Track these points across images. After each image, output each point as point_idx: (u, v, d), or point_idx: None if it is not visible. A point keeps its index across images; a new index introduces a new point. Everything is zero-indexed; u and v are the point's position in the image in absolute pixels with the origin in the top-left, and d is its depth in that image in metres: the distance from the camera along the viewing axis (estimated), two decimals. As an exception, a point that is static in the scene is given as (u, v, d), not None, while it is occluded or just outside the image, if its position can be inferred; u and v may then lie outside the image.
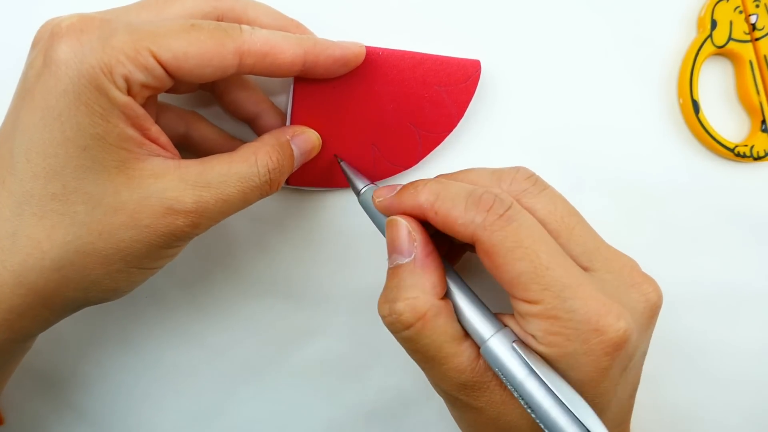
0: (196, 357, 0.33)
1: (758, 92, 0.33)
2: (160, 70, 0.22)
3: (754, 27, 0.32)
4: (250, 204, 0.25)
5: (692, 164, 0.33)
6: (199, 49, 0.22)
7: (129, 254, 0.23)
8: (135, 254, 0.23)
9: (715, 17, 0.32)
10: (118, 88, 0.22)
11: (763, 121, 0.33)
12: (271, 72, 0.25)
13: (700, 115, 0.32)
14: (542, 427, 0.22)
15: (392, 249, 0.25)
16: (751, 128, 0.34)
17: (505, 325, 0.24)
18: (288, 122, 0.29)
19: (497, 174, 0.26)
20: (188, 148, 0.30)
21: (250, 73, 0.24)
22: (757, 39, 0.32)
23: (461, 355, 0.23)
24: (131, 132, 0.23)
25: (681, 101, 0.33)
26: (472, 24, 0.32)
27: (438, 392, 0.26)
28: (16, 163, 0.22)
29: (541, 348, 0.22)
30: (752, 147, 0.33)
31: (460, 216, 0.23)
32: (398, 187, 0.26)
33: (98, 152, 0.22)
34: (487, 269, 0.23)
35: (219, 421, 0.33)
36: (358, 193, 0.28)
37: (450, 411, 0.27)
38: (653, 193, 0.33)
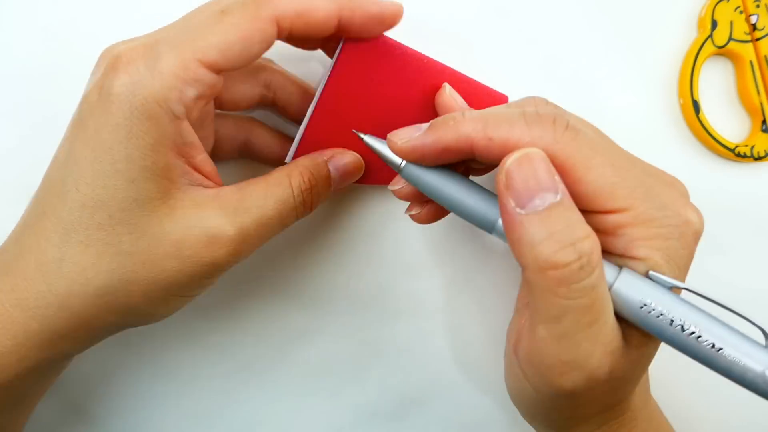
0: (196, 357, 0.33)
1: (759, 92, 0.33)
2: (210, 75, 0.22)
3: (754, 27, 0.32)
4: (287, 226, 0.25)
5: (692, 164, 0.33)
6: (239, 33, 0.22)
7: (171, 283, 0.23)
8: (177, 283, 0.23)
9: (715, 17, 0.32)
10: (174, 116, 0.22)
11: (764, 121, 0.33)
12: (308, 33, 0.23)
13: (700, 115, 0.32)
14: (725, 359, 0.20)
15: (534, 188, 0.20)
16: (751, 128, 0.34)
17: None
18: (313, 105, 0.27)
19: (519, 104, 0.24)
20: (250, 155, 0.30)
21: (289, 39, 0.24)
22: (757, 39, 0.32)
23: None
24: (176, 161, 0.23)
25: (681, 101, 0.33)
26: (472, 24, 0.32)
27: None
28: (67, 192, 0.23)
29: (641, 257, 0.21)
30: (753, 147, 0.33)
31: (524, 135, 0.21)
32: (422, 126, 0.23)
33: (145, 183, 0.22)
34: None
35: (219, 420, 0.33)
36: (398, 166, 0.24)
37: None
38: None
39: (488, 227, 0.23)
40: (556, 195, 0.20)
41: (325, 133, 0.27)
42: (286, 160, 0.27)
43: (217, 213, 0.23)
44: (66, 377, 0.32)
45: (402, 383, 0.34)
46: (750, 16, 0.32)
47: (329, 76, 0.26)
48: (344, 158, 0.27)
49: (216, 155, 0.29)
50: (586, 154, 0.21)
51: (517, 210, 0.20)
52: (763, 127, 0.33)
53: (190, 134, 0.23)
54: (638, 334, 0.22)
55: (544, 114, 0.21)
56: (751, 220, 0.34)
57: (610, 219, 0.21)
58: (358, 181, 0.29)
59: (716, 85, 0.33)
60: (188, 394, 0.33)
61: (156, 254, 0.23)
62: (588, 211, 0.21)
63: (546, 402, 0.24)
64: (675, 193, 0.22)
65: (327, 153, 0.27)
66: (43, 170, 0.31)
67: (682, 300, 0.21)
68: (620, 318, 0.22)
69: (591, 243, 0.20)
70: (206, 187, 0.24)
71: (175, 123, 0.22)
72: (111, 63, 0.22)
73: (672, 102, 0.33)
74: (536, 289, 0.20)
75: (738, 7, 0.32)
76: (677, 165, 0.33)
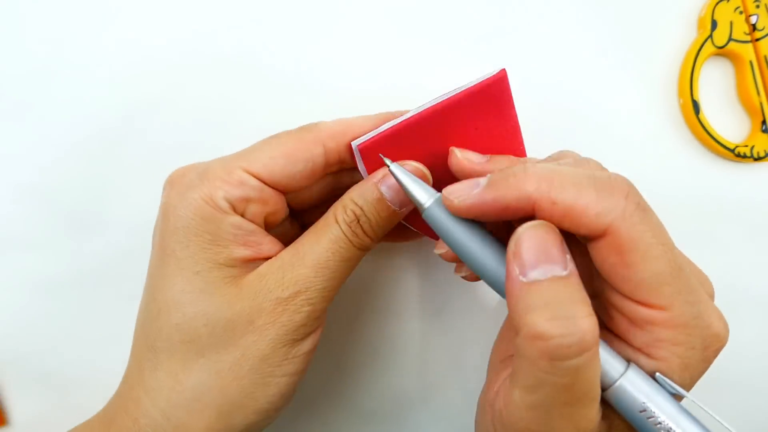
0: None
1: (758, 93, 0.33)
2: (254, 182, 0.24)
3: (754, 27, 0.32)
4: (355, 260, 0.25)
5: (692, 164, 0.33)
6: (284, 149, 0.24)
7: (256, 360, 0.23)
8: (262, 358, 0.23)
9: (715, 17, 0.32)
10: (222, 210, 0.23)
11: (764, 122, 0.33)
12: (350, 148, 0.25)
13: (700, 115, 0.32)
14: None
15: (543, 259, 0.19)
16: (751, 128, 0.34)
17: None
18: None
19: (580, 162, 0.23)
20: None
21: (337, 160, 0.25)
22: (757, 39, 0.32)
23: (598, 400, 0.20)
24: (241, 251, 0.24)
25: (681, 101, 0.33)
26: (472, 26, 0.32)
27: None
28: (146, 305, 0.24)
29: (654, 363, 0.20)
30: (752, 147, 0.33)
31: (592, 204, 0.19)
32: (480, 181, 0.21)
33: (209, 273, 0.23)
34: (604, 268, 0.20)
35: None
36: (421, 205, 0.22)
37: None
38: (653, 192, 0.33)
39: (501, 292, 0.22)
40: (561, 270, 0.19)
41: None
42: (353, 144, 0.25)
43: (276, 273, 0.23)
44: (68, 377, 0.32)
45: (402, 383, 0.34)
46: (750, 16, 0.32)
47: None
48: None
49: None
50: (649, 242, 0.19)
51: (520, 278, 0.19)
52: (763, 128, 0.33)
53: (248, 224, 0.24)
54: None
55: (617, 185, 0.20)
56: (751, 219, 0.34)
57: (644, 312, 0.20)
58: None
59: (716, 86, 0.33)
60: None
61: (234, 335, 0.23)
62: (625, 297, 0.20)
63: None
64: (705, 296, 0.21)
65: (378, 174, 0.24)
66: (44, 170, 0.31)
67: (686, 412, 0.20)
68: (612, 413, 0.21)
69: (589, 324, 0.18)
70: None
71: (227, 217, 0.23)
72: (168, 182, 0.25)
73: (672, 102, 0.33)
74: (520, 355, 0.20)
75: (738, 8, 0.32)
76: (677, 165, 0.33)
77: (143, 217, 0.28)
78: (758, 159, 0.33)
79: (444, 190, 0.22)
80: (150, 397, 0.23)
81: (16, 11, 0.31)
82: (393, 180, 0.24)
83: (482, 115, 0.25)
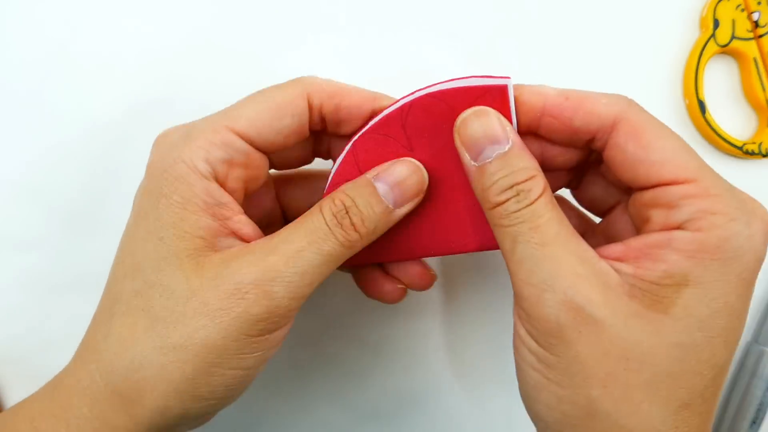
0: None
1: (764, 89, 0.32)
2: (240, 143, 0.23)
3: (756, 24, 0.32)
4: (340, 259, 0.23)
5: (701, 164, 0.33)
6: (270, 103, 0.23)
7: (202, 346, 0.21)
8: (209, 346, 0.21)
9: (717, 16, 0.32)
10: (199, 173, 0.22)
11: (771, 118, 0.33)
12: (339, 116, 0.24)
13: (706, 115, 0.32)
14: None
15: (486, 141, 0.22)
16: (758, 125, 0.33)
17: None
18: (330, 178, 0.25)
19: None
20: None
21: (321, 120, 0.24)
22: (760, 36, 0.32)
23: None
24: (208, 221, 0.22)
25: (687, 102, 0.33)
26: (473, 25, 0.32)
27: (532, 320, 0.21)
28: (115, 266, 0.23)
29: (698, 235, 0.19)
30: (761, 144, 0.33)
31: (600, 97, 0.22)
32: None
33: (173, 241, 0.22)
34: (625, 165, 0.21)
35: (219, 420, 0.33)
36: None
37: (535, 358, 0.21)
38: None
39: None
40: (502, 146, 0.21)
41: None
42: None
43: (243, 260, 0.21)
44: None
45: (402, 383, 0.34)
46: (752, 13, 0.32)
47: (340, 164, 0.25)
48: (395, 170, 0.24)
49: None
50: (658, 124, 0.21)
51: (472, 163, 0.22)
52: (770, 124, 0.33)
53: (222, 195, 0.22)
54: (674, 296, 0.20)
55: (619, 94, 0.22)
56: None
57: (675, 191, 0.20)
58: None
59: (721, 84, 0.33)
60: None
61: (185, 314, 0.21)
62: (653, 187, 0.21)
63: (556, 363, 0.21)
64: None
65: (374, 171, 0.24)
66: (44, 169, 0.31)
67: None
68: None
69: (534, 182, 0.21)
70: (241, 245, 0.23)
71: (202, 182, 0.22)
72: (155, 143, 0.24)
73: (677, 102, 0.33)
74: (494, 227, 0.22)
75: (739, 5, 0.32)
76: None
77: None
78: (767, 155, 0.33)
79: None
80: (96, 361, 0.22)
81: (16, 9, 0.31)
82: (390, 177, 0.23)
83: None
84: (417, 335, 0.33)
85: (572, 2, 0.32)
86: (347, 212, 0.22)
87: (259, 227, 0.24)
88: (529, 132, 0.23)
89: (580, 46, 0.33)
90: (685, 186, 0.20)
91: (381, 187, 0.23)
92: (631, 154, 0.21)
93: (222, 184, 0.23)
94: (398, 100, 0.24)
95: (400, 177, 0.23)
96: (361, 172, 0.24)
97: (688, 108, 0.33)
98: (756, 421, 0.34)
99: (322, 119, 0.24)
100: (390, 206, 0.23)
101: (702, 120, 0.32)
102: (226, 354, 0.21)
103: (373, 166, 0.24)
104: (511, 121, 0.23)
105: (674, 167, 0.20)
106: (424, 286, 0.27)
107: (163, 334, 0.21)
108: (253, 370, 0.22)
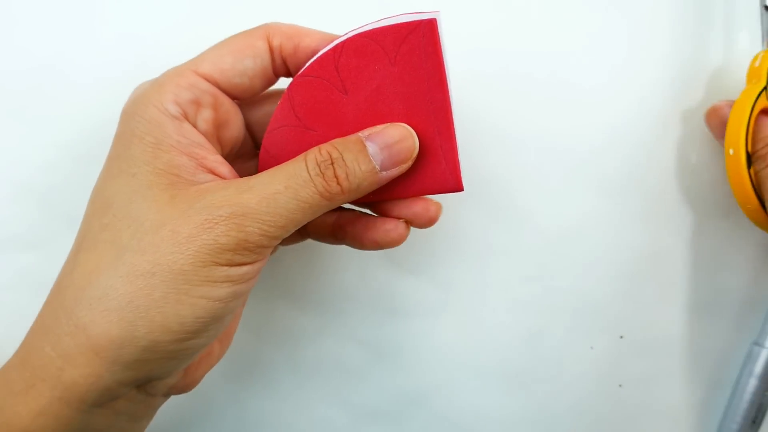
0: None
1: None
2: (205, 84, 0.24)
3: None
4: (313, 208, 0.23)
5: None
6: (232, 47, 0.25)
7: (171, 272, 0.21)
8: (177, 271, 0.21)
9: (772, 69, 0.31)
10: (170, 115, 0.23)
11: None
12: (299, 58, 0.25)
13: (751, 169, 0.32)
14: None
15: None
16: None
17: None
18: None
19: None
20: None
21: (284, 64, 0.26)
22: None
23: None
24: (183, 160, 0.23)
25: (731, 152, 0.33)
26: (472, 28, 0.31)
27: None
28: (86, 209, 0.24)
29: None
30: None
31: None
32: None
33: (146, 176, 0.23)
34: None
35: (220, 420, 0.34)
36: None
37: None
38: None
39: None
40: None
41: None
42: None
43: (218, 193, 0.22)
44: None
45: (402, 383, 0.34)
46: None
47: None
48: (387, 132, 0.24)
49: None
50: None
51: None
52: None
53: (195, 135, 0.24)
54: None
55: None
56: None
57: None
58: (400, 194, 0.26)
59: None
60: (189, 393, 0.32)
61: (153, 242, 0.21)
62: None
63: None
64: None
65: (366, 131, 0.24)
66: (45, 169, 0.31)
67: None
68: None
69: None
70: (217, 181, 0.23)
71: (174, 123, 0.23)
72: (130, 95, 0.25)
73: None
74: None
75: (794, 57, 0.31)
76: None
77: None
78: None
79: None
80: (60, 299, 0.22)
81: (13, 10, 0.30)
82: (381, 139, 0.24)
83: (403, 57, 0.24)
84: (417, 335, 0.34)
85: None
86: (332, 163, 0.23)
87: (231, 156, 0.27)
88: None
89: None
90: None
91: (371, 146, 0.24)
92: None
93: (193, 125, 0.24)
94: (332, 42, 0.25)
95: (392, 140, 0.24)
96: (297, 116, 0.25)
97: (731, 159, 0.33)
98: (756, 421, 0.38)
99: (285, 63, 0.26)
100: (377, 167, 0.24)
101: (745, 174, 0.32)
102: (195, 279, 0.21)
103: (308, 110, 0.25)
104: (440, 55, 0.24)
105: None
106: (430, 219, 0.27)
107: (130, 263, 0.21)
108: (223, 303, 0.22)
